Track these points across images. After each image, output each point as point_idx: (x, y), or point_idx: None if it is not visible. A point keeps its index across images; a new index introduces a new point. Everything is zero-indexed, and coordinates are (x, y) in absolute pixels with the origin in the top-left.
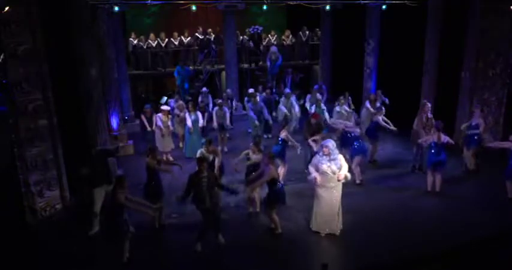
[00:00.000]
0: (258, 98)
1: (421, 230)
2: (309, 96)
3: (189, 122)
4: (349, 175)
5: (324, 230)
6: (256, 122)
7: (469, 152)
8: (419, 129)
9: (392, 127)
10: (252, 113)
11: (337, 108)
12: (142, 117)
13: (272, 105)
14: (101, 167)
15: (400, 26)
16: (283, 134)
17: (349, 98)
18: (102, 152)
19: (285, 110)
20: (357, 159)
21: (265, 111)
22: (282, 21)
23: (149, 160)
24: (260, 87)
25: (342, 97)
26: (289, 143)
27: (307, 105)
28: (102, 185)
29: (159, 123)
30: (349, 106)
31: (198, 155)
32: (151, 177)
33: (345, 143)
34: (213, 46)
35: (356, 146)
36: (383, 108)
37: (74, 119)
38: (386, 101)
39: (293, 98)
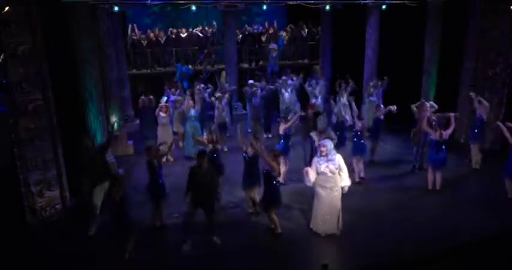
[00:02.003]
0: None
1: (421, 230)
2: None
3: (192, 111)
4: (349, 183)
5: (324, 230)
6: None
7: (476, 147)
8: (424, 128)
9: (393, 107)
10: (254, 100)
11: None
12: (140, 103)
13: (272, 98)
14: (101, 166)
15: (400, 26)
16: (282, 129)
17: (347, 88)
18: (98, 149)
19: (287, 94)
20: (356, 158)
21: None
22: (282, 21)
23: (149, 159)
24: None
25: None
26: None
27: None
28: (102, 182)
29: (160, 113)
30: (349, 94)
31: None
32: (154, 177)
33: (343, 139)
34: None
35: (356, 143)
36: (381, 106)
37: (74, 119)
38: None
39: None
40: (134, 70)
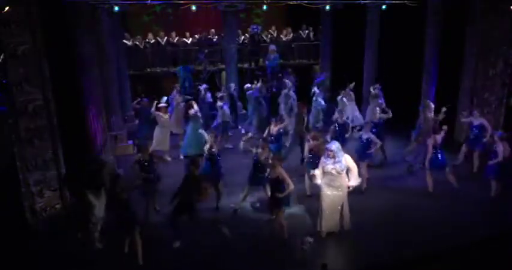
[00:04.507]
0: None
1: (421, 230)
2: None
3: (192, 111)
4: (357, 182)
5: (326, 229)
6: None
7: (476, 153)
8: (427, 128)
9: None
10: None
11: (339, 98)
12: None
13: (267, 102)
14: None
15: (400, 26)
16: (275, 129)
17: (351, 93)
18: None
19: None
20: (363, 164)
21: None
22: (282, 21)
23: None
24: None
25: (343, 91)
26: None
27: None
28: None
29: (160, 114)
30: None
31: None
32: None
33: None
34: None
35: (362, 150)
36: (389, 111)
37: (74, 119)
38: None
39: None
40: (134, 70)
